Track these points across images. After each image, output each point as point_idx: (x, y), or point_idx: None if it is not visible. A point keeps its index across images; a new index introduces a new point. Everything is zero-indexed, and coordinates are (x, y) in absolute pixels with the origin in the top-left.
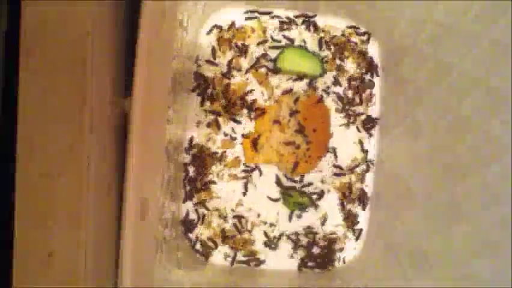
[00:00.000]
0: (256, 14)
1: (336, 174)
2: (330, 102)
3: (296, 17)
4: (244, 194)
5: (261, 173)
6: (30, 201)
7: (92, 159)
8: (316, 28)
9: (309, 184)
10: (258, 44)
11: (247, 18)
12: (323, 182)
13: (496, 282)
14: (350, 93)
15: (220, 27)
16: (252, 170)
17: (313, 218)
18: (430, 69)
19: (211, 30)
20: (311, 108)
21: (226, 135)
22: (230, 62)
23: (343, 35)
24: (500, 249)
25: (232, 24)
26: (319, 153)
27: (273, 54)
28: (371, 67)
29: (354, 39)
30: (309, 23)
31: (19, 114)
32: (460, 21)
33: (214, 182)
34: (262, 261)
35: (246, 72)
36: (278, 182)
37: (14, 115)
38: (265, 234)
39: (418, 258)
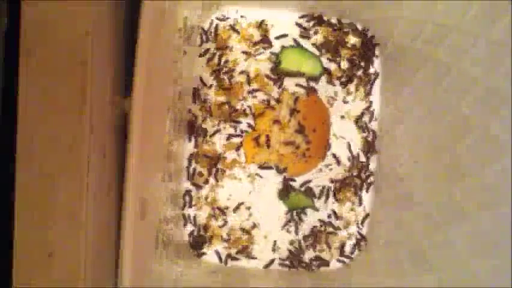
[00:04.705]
0: (256, 14)
1: (335, 174)
2: (330, 102)
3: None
4: (244, 193)
5: (260, 173)
6: (30, 201)
7: (92, 159)
8: (316, 28)
9: (309, 184)
10: (258, 43)
11: (248, 18)
12: (322, 181)
13: (496, 282)
14: (349, 93)
15: (219, 27)
16: (252, 170)
17: (313, 218)
18: (430, 69)
19: (210, 30)
20: (311, 108)
21: (226, 135)
22: (230, 61)
23: (342, 34)
24: (500, 249)
25: (232, 23)
26: (319, 153)
27: (272, 53)
28: (371, 67)
29: (354, 38)
30: (309, 22)
31: (19, 114)
32: (459, 21)
33: (214, 182)
34: (259, 260)
35: (245, 72)
36: (278, 182)
37: (14, 115)
38: (264, 234)
39: (418, 258)
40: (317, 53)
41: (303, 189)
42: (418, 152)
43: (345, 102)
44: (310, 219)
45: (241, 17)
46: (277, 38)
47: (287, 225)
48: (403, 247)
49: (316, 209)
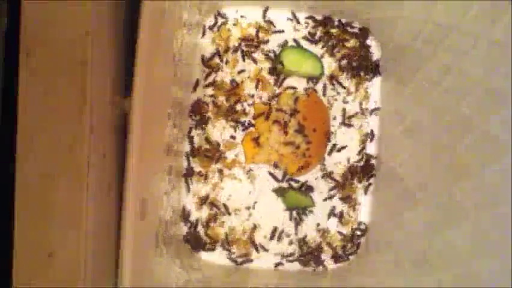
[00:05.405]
0: (256, 14)
1: (335, 174)
2: (330, 102)
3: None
4: (244, 193)
5: (260, 173)
6: (30, 201)
7: (92, 159)
8: (316, 28)
9: (309, 184)
10: (258, 43)
11: (248, 18)
12: (322, 181)
13: (496, 282)
14: (349, 93)
15: (219, 27)
16: (252, 170)
17: (313, 218)
18: (430, 69)
19: (210, 30)
20: (311, 108)
21: (226, 135)
22: (230, 62)
23: (343, 34)
24: (500, 249)
25: (232, 23)
26: (319, 153)
27: (272, 54)
28: (371, 67)
29: (354, 39)
30: (309, 22)
31: (19, 114)
32: (460, 21)
33: (214, 182)
34: (258, 260)
35: (245, 72)
36: (278, 182)
37: (14, 115)
38: (264, 234)
39: (418, 258)
40: (317, 53)
41: (303, 189)
42: (418, 152)
43: (345, 102)
44: (311, 219)
45: (241, 17)
46: (274, 37)
47: (287, 225)
48: (403, 247)
49: (316, 209)
